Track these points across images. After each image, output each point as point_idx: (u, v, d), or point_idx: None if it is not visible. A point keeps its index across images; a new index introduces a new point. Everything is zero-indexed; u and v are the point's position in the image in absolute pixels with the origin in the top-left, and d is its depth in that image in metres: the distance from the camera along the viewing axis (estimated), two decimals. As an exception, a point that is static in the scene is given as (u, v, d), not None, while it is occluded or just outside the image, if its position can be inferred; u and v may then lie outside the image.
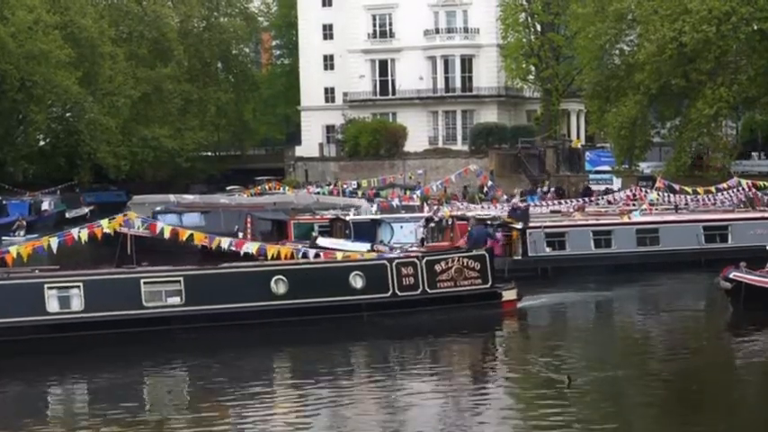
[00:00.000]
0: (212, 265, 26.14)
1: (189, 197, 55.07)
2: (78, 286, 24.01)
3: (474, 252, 27.81)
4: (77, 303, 23.88)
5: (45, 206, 66.52)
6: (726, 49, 50.65)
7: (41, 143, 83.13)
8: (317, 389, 20.00)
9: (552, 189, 60.88)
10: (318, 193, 55.34)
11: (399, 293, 26.32)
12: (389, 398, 19.37)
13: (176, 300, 24.66)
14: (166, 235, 26.43)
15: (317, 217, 43.03)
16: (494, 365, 23.12)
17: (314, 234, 39.01)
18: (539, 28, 73.97)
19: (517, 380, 20.93)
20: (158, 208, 49.59)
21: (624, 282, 33.65)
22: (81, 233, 25.21)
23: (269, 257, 26.36)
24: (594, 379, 20.32)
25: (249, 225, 42.62)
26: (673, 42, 49.37)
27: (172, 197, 53.06)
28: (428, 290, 26.62)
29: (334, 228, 40.18)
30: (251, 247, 26.67)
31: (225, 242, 26.64)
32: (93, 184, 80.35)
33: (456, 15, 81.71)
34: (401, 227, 38.62)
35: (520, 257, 35.03)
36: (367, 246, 34.80)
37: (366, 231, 38.12)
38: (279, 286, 25.41)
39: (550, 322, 28.83)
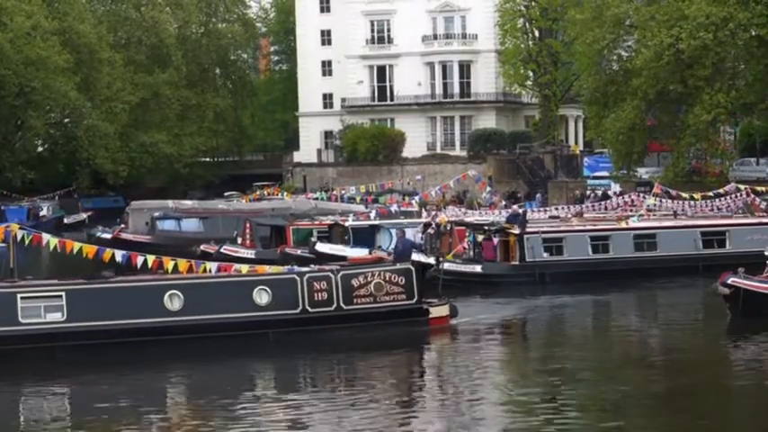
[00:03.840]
0: (101, 279, 24.56)
1: (187, 203, 55.15)
2: None
3: (398, 266, 26.14)
4: None
5: (43, 212, 66.55)
6: (723, 56, 50.67)
7: (40, 149, 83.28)
8: (210, 411, 18.87)
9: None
10: (317, 198, 55.44)
11: (310, 310, 24.77)
12: (290, 421, 18.23)
13: (57, 315, 23.18)
14: (52, 247, 25.14)
15: (316, 222, 43.09)
16: (407, 386, 21.50)
17: (312, 239, 39.09)
18: (537, 34, 74.11)
19: (432, 400, 19.83)
20: (157, 214, 49.71)
21: (621, 287, 33.62)
22: None
23: (167, 270, 24.93)
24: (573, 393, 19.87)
25: (248, 231, 42.67)
26: (670, 48, 49.41)
27: (170, 203, 53.15)
28: (343, 306, 25.02)
29: (333, 233, 40.25)
30: (148, 259, 25.16)
31: (118, 254, 25.23)
32: (91, 189, 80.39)
33: (454, 21, 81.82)
34: (400, 232, 38.59)
35: (517, 263, 35.06)
36: (365, 251, 34.88)
37: (365, 237, 38.19)
38: (173, 301, 24.00)
39: (489, 340, 26.58)
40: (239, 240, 42.74)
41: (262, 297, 24.63)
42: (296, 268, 26.26)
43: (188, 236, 46.83)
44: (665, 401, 18.98)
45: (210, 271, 25.29)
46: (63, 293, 23.55)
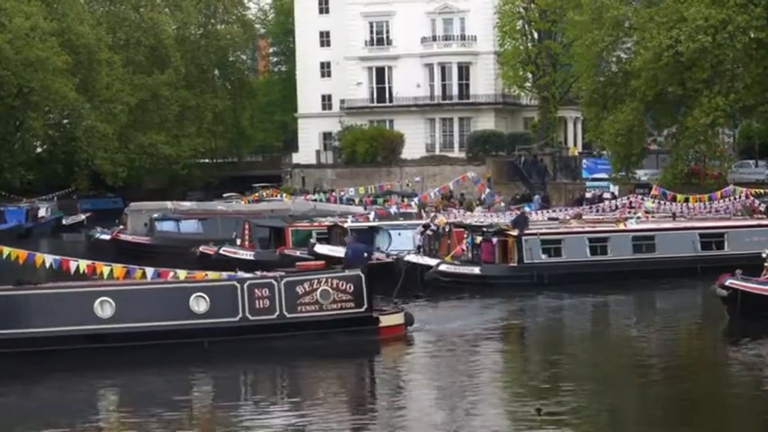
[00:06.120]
0: (30, 285, 23.93)
1: (186, 204, 55.11)
2: None
3: (347, 272, 25.02)
4: None
5: (42, 213, 66.59)
6: (722, 58, 50.68)
7: (39, 150, 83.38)
8: (141, 423, 18.37)
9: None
10: (316, 200, 55.41)
11: (251, 317, 23.87)
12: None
13: None
14: None
15: (315, 224, 43.06)
16: (345, 398, 20.74)
17: (312, 241, 39.08)
18: (536, 35, 74.19)
19: (367, 413, 19.27)
20: (156, 215, 49.69)
21: (620, 289, 33.62)
22: None
23: (101, 276, 24.20)
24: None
25: (247, 232, 42.65)
26: (669, 50, 49.44)
27: (169, 204, 53.11)
28: (286, 314, 24.05)
29: (333, 235, 40.23)
30: (81, 264, 24.27)
31: (48, 259, 24.53)
32: (90, 190, 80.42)
33: (453, 23, 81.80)
34: (398, 234, 38.66)
35: (516, 264, 35.07)
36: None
37: (364, 239, 38.15)
38: (104, 309, 23.13)
39: (453, 347, 25.15)
40: (238, 242, 42.73)
41: (199, 304, 23.80)
42: (239, 274, 25.37)
43: (187, 237, 46.81)
44: (663, 405, 18.98)
45: (147, 277, 24.47)
46: None
